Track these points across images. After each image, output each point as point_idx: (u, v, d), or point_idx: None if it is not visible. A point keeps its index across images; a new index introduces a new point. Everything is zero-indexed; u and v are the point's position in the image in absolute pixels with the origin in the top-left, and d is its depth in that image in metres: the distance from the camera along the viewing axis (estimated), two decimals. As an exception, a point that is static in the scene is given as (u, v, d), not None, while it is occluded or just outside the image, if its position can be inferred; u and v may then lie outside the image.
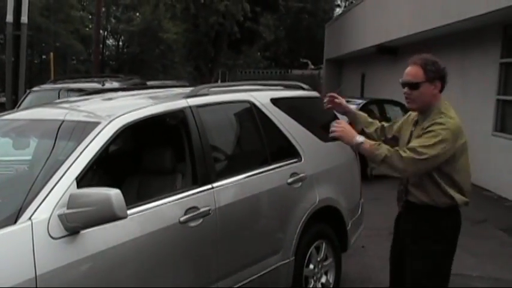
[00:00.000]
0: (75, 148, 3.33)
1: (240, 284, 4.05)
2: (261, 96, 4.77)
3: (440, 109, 3.62)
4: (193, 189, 3.82)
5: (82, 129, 3.51)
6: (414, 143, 3.55)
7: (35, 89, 10.38)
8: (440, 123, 3.52)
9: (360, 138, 3.64)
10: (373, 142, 3.64)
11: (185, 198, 3.71)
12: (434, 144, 3.46)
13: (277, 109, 4.80)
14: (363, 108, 12.36)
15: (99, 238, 3.14)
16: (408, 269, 3.78)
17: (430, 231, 3.68)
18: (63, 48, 38.77)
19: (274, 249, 4.43)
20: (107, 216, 3.00)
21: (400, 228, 3.94)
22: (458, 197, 3.64)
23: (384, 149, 3.54)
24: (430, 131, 3.52)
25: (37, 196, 3.07)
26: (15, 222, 2.94)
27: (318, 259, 4.92)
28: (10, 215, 3.00)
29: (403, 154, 3.47)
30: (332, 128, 3.72)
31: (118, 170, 4.24)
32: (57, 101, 5.98)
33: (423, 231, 3.70)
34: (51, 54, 20.88)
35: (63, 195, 3.07)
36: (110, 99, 4.67)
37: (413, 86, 3.62)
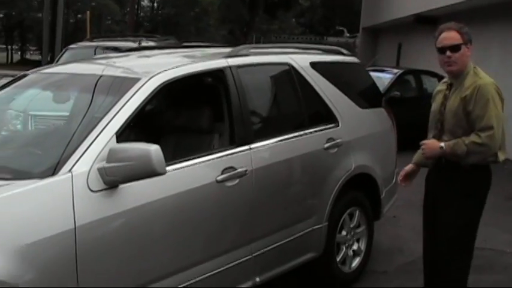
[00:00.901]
0: (115, 103, 3.33)
1: (272, 246, 4.06)
2: (301, 59, 4.71)
3: (474, 70, 3.85)
4: (230, 149, 3.81)
5: (122, 85, 3.51)
6: (477, 122, 3.70)
7: (71, 46, 10.46)
8: (480, 86, 3.73)
9: (441, 146, 3.80)
10: (451, 143, 3.78)
11: (222, 158, 3.71)
12: (490, 109, 3.67)
13: (316, 73, 4.74)
14: (399, 79, 12.18)
15: (137, 193, 3.15)
16: (440, 222, 3.93)
17: (463, 188, 3.83)
18: (98, 8, 38.87)
19: (308, 214, 4.42)
20: (146, 171, 3.00)
21: (432, 185, 4.07)
22: (500, 153, 3.79)
23: (461, 145, 3.72)
24: (477, 100, 3.70)
25: (77, 149, 3.09)
26: (56, 174, 2.96)
27: (351, 226, 4.90)
28: (50, 166, 3.03)
29: (478, 140, 3.68)
30: (424, 152, 3.93)
31: (155, 127, 4.23)
32: (95, 57, 5.99)
33: (456, 187, 3.85)
34: (88, 12, 20.90)
35: (102, 149, 3.08)
36: (148, 56, 4.66)
37: (454, 48, 3.81)
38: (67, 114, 4.41)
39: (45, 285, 2.77)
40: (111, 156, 3.03)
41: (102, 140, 3.13)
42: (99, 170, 3.01)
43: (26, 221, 2.79)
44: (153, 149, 2.99)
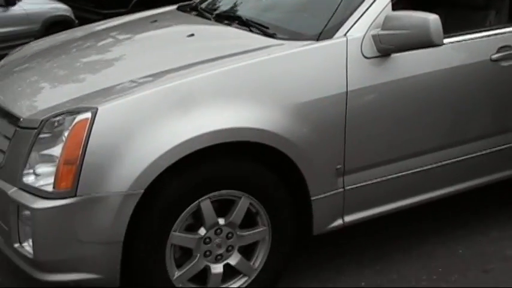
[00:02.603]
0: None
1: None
2: None
3: None
4: (508, 27, 3.51)
5: None
6: None
7: None
8: None
9: None
10: None
11: (499, 36, 3.44)
12: None
13: None
14: None
15: (409, 63, 3.08)
16: None
17: None
18: None
19: None
20: (422, 41, 2.90)
21: None
22: None
23: None
24: None
25: (352, 15, 3.06)
26: (331, 37, 2.99)
27: None
28: (326, 30, 3.05)
29: None
30: None
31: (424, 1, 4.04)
32: None
33: None
34: None
35: (378, 16, 3.03)
36: None
37: None
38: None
39: (314, 144, 2.88)
40: (387, 23, 2.96)
41: (377, 6, 3.06)
42: (374, 36, 2.98)
43: (302, 80, 2.89)
44: (432, 18, 2.87)
